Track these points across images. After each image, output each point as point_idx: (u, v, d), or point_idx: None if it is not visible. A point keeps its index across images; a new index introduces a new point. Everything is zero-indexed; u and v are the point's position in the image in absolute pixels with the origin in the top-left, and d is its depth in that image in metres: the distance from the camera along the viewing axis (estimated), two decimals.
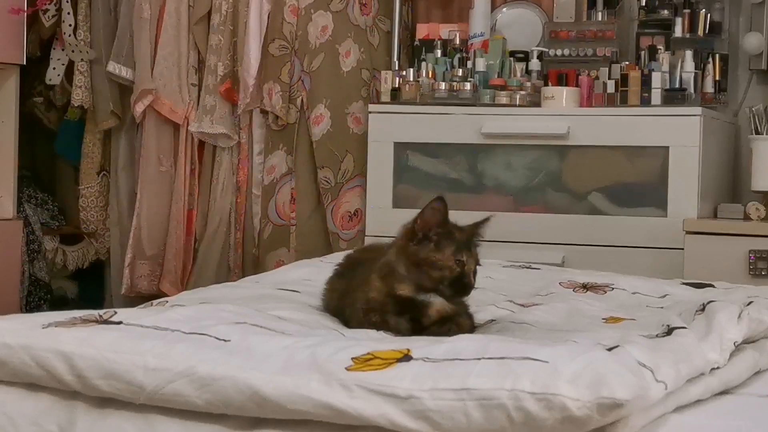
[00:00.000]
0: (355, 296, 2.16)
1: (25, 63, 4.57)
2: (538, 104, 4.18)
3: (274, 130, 4.62)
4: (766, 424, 1.65)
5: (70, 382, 1.75)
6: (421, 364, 1.64)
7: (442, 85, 4.25)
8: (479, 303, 2.41)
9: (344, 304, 2.22)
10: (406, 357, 1.67)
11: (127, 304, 4.40)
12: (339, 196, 4.52)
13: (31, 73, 4.89)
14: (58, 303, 4.81)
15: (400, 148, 4.28)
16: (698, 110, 3.94)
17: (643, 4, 4.34)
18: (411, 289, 2.08)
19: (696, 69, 4.08)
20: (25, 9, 4.52)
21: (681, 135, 3.93)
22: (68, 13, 4.74)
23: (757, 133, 4.08)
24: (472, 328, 2.16)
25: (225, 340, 1.78)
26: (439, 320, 2.08)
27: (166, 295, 3.86)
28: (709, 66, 4.18)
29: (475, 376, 1.58)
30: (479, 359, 1.63)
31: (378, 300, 2.10)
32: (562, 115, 4.10)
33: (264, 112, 4.64)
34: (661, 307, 2.55)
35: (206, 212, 4.71)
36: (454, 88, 4.23)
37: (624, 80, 4.08)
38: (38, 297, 4.78)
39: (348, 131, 4.55)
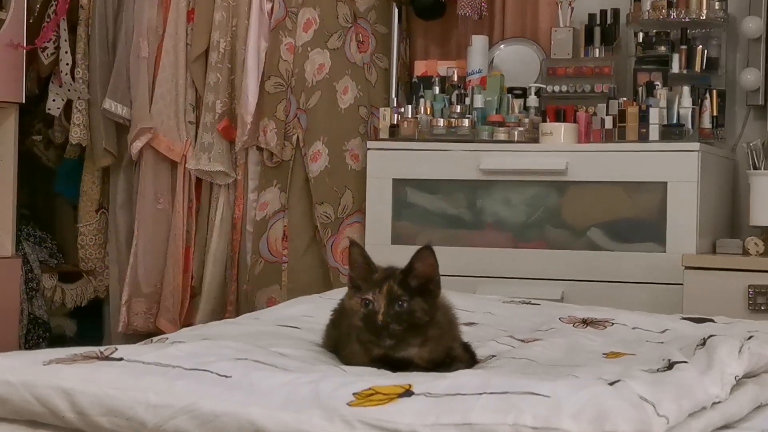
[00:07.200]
0: (344, 360, 2.12)
1: (24, 101, 4.58)
2: (536, 140, 4.19)
3: (268, 167, 4.62)
4: None
5: (72, 419, 1.74)
6: (423, 399, 1.64)
7: (440, 122, 4.25)
8: (480, 338, 2.41)
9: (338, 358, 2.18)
10: (408, 392, 1.67)
11: (125, 341, 4.39)
12: (339, 231, 4.52)
13: (30, 112, 4.90)
14: (57, 341, 4.80)
15: (399, 184, 4.28)
16: (696, 146, 3.95)
17: (640, 40, 4.35)
18: (378, 346, 2.02)
19: (693, 105, 4.08)
20: (24, 45, 4.53)
21: (679, 170, 3.94)
22: (66, 52, 4.75)
23: (755, 168, 4.09)
24: (471, 360, 2.16)
25: (226, 376, 1.77)
26: (436, 362, 2.04)
27: (164, 333, 3.86)
28: (707, 102, 4.18)
29: (477, 411, 1.58)
30: (481, 394, 1.63)
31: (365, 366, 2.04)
32: (560, 151, 4.10)
33: (260, 149, 4.64)
34: (662, 342, 2.54)
35: (204, 249, 4.71)
36: (452, 125, 4.24)
37: (622, 116, 4.08)
38: (37, 335, 4.77)
39: (346, 168, 4.55)
